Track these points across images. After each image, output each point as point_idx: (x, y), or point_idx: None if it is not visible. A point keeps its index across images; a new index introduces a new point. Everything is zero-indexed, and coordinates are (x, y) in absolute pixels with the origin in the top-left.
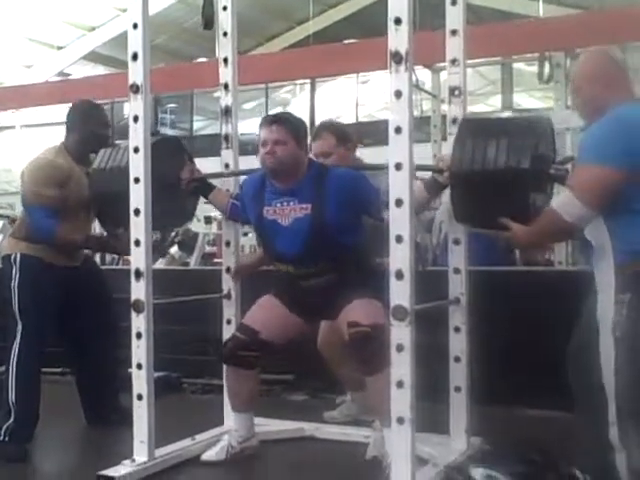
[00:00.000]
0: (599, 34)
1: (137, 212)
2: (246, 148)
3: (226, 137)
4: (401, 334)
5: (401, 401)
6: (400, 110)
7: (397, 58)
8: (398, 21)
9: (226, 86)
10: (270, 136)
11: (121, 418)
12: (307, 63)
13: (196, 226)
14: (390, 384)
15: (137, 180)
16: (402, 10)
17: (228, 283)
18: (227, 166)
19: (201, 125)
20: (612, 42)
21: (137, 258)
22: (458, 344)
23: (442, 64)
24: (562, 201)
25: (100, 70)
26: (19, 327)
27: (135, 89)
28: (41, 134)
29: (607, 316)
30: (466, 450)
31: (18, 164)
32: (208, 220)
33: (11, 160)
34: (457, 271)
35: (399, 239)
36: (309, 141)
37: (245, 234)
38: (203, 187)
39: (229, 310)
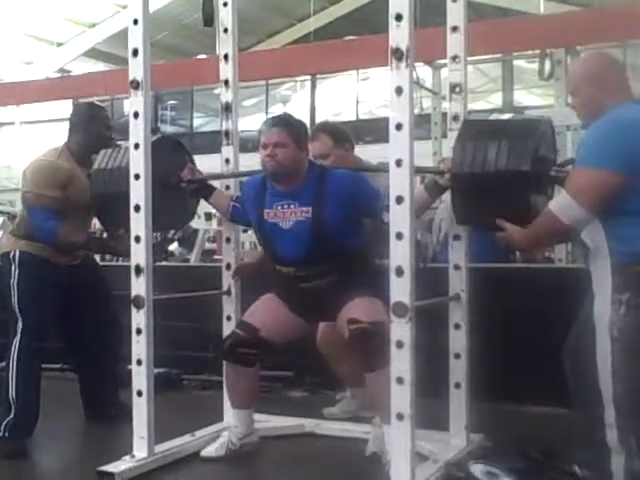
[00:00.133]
0: (600, 31)
1: (137, 208)
2: (246, 145)
3: (226, 133)
4: (401, 331)
5: (401, 397)
6: (401, 107)
7: (398, 54)
8: (399, 17)
9: (226, 82)
10: (271, 139)
11: (121, 414)
12: (307, 60)
13: (196, 223)
14: (390, 380)
15: (137, 176)
16: (403, 6)
17: (228, 280)
18: (227, 162)
19: (201, 122)
20: (612, 39)
21: (137, 254)
22: (458, 341)
23: (443, 61)
24: (559, 203)
25: (100, 67)
26: (19, 324)
27: (135, 85)
28: (41, 131)
29: (604, 317)
30: (466, 447)
31: (18, 161)
32: (208, 217)
33: (11, 157)
34: (457, 268)
35: (399, 236)
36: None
37: (245, 230)
38: (204, 189)
39: (229, 307)
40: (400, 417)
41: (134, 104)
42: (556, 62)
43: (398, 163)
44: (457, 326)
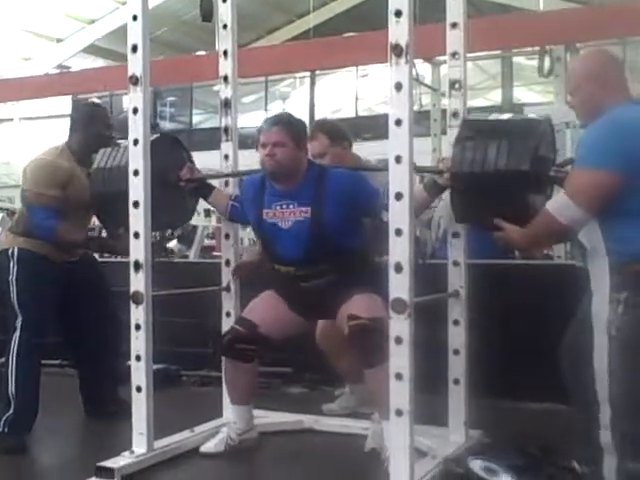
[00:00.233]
0: (599, 28)
1: (136, 204)
2: (245, 142)
3: (226, 129)
4: (400, 327)
5: (400, 393)
6: (400, 103)
7: (397, 50)
8: (398, 13)
9: (226, 78)
10: (270, 138)
11: (120, 410)
12: (307, 56)
13: (195, 219)
14: (389, 376)
15: (136, 172)
16: (402, 2)
17: (227, 276)
18: (226, 158)
19: (200, 119)
20: (612, 36)
21: (136, 250)
22: (457, 337)
23: (442, 57)
24: (557, 203)
25: (99, 63)
26: (18, 320)
27: (135, 81)
28: (40, 127)
29: (602, 316)
30: (465, 443)
31: (17, 157)
32: (207, 213)
33: (10, 153)
34: (456, 264)
35: (398, 232)
36: None
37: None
38: (202, 188)
39: (228, 303)
40: (399, 413)
41: (133, 100)
42: (556, 59)
43: (397, 159)
44: (456, 322)
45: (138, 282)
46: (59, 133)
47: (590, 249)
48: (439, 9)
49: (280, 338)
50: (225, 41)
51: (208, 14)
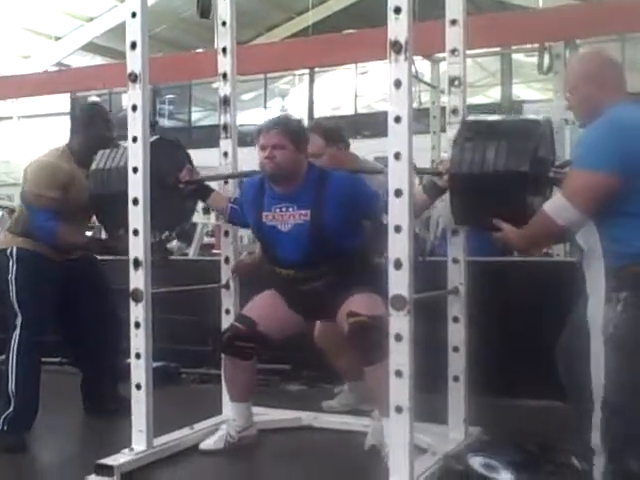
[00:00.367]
0: (598, 25)
1: (135, 201)
2: (244, 139)
3: (225, 127)
4: (400, 323)
5: (399, 390)
6: (399, 100)
7: (397, 47)
8: (398, 10)
9: (225, 76)
10: (269, 140)
11: (120, 408)
12: (306, 53)
13: (195, 217)
14: (389, 373)
15: (135, 170)
16: None
17: (227, 273)
18: (226, 155)
19: (199, 116)
20: (611, 33)
21: (135, 247)
22: (457, 334)
23: (441, 55)
24: (554, 204)
25: (98, 61)
26: (18, 318)
27: (134, 78)
28: (39, 125)
29: (597, 320)
30: (464, 440)
31: (16, 155)
32: (206, 211)
33: (9, 151)
34: (456, 261)
35: (398, 229)
36: None
37: None
38: (201, 190)
39: (228, 300)
40: (399, 410)
41: (132, 97)
42: (555, 56)
43: (397, 156)
44: (456, 319)
45: (137, 280)
46: (58, 131)
47: (587, 250)
48: (438, 6)
49: (279, 337)
50: (224, 38)
51: (206, 11)
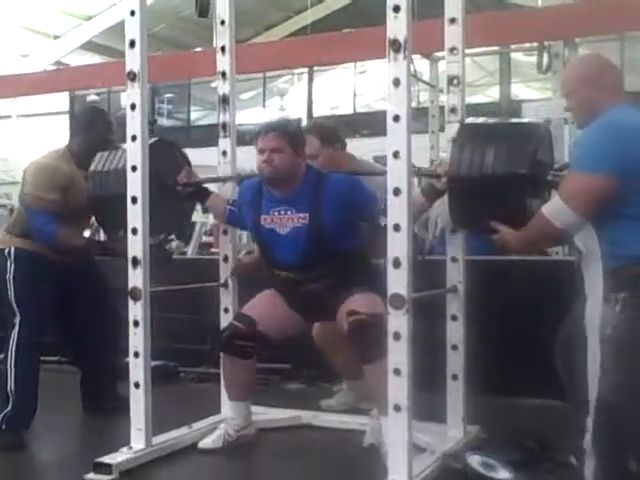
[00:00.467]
0: (598, 24)
1: (134, 200)
2: (243, 138)
3: (224, 126)
4: (398, 322)
5: (398, 389)
6: (398, 99)
7: (396, 46)
8: (397, 9)
9: (224, 74)
10: (268, 144)
11: (119, 406)
12: (305, 52)
13: (193, 216)
14: (387, 372)
15: (134, 168)
16: None
17: (225, 272)
18: (224, 154)
19: (198, 115)
20: (610, 32)
21: (134, 246)
22: (455, 332)
23: (440, 54)
24: (552, 207)
25: (97, 60)
26: (17, 317)
27: (132, 77)
28: (38, 124)
29: (595, 322)
30: (463, 438)
31: (15, 154)
32: (205, 210)
33: (8, 150)
34: (454, 260)
35: (397, 227)
36: None
37: None
38: (200, 192)
39: (226, 299)
40: (397, 408)
41: (131, 96)
42: (554, 55)
43: (395, 155)
44: (454, 318)
45: (136, 278)
46: (57, 130)
47: (585, 253)
48: (437, 4)
49: (279, 337)
50: (223, 37)
51: (205, 10)
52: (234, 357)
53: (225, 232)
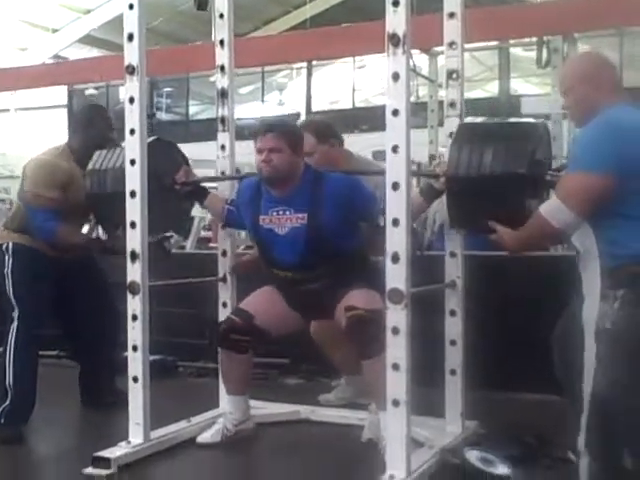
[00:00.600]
0: (597, 18)
1: (133, 194)
2: (242, 133)
3: (222, 120)
4: (397, 317)
5: (397, 384)
6: (397, 93)
7: (395, 40)
8: (396, 3)
9: (222, 68)
10: (266, 144)
11: (118, 401)
12: (304, 46)
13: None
14: (386, 367)
15: (133, 162)
16: None
17: (224, 266)
18: (223, 148)
19: (197, 110)
20: (609, 26)
21: (132, 240)
22: (454, 327)
23: (439, 48)
24: (550, 206)
25: (95, 53)
26: (15, 312)
27: (131, 70)
28: (36, 117)
29: (592, 322)
30: (461, 433)
31: (13, 148)
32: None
33: (6, 144)
34: (453, 255)
35: (395, 222)
36: None
37: None
38: (198, 192)
39: (225, 293)
40: (396, 403)
41: (129, 89)
42: (553, 50)
43: (394, 149)
44: (453, 313)
45: (135, 272)
46: (55, 124)
47: (583, 252)
48: (436, 0)
49: (277, 333)
50: (222, 31)
51: (203, 3)
52: (230, 352)
53: (224, 226)
